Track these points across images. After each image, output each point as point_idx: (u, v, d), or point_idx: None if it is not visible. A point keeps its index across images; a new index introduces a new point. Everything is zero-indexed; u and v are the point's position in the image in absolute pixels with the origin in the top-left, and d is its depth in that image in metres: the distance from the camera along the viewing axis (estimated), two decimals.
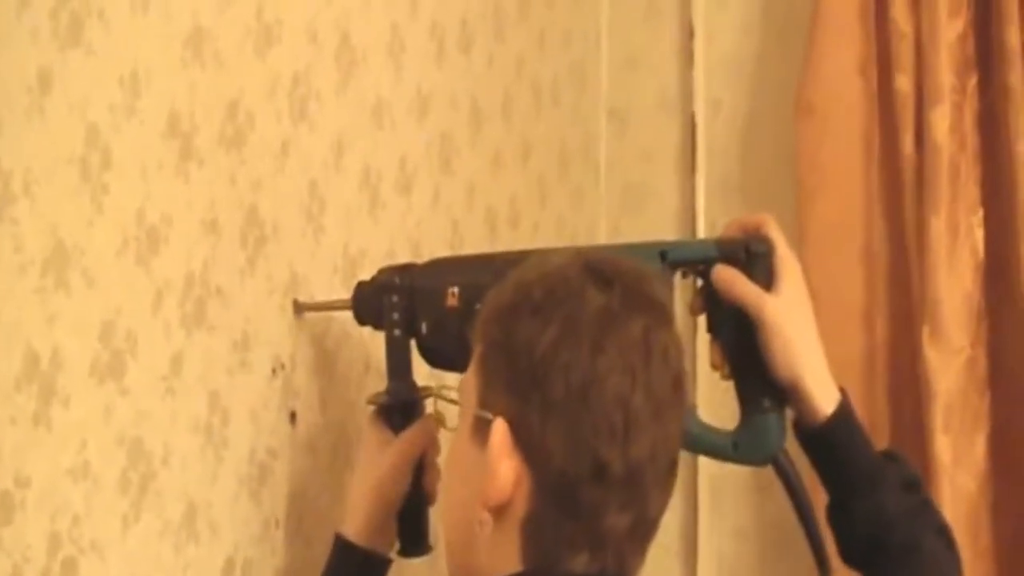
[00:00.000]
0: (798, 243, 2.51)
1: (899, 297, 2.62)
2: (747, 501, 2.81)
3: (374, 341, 1.68)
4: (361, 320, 1.66)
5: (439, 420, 1.62)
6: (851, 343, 2.60)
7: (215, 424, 1.51)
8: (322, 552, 1.58)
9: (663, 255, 1.50)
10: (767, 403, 1.48)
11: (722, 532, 2.83)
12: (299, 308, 1.67)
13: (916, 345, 2.53)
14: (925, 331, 2.51)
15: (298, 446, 1.67)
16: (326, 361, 1.74)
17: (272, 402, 1.62)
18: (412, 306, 1.60)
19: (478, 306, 1.32)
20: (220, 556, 1.53)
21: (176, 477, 1.44)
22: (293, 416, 1.66)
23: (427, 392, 1.63)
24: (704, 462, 2.78)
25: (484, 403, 1.27)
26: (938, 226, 2.52)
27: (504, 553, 1.25)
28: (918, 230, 2.55)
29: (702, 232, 2.82)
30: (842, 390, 1.50)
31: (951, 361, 2.52)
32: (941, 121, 2.54)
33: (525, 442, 1.23)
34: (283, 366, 1.64)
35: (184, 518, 1.46)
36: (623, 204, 2.90)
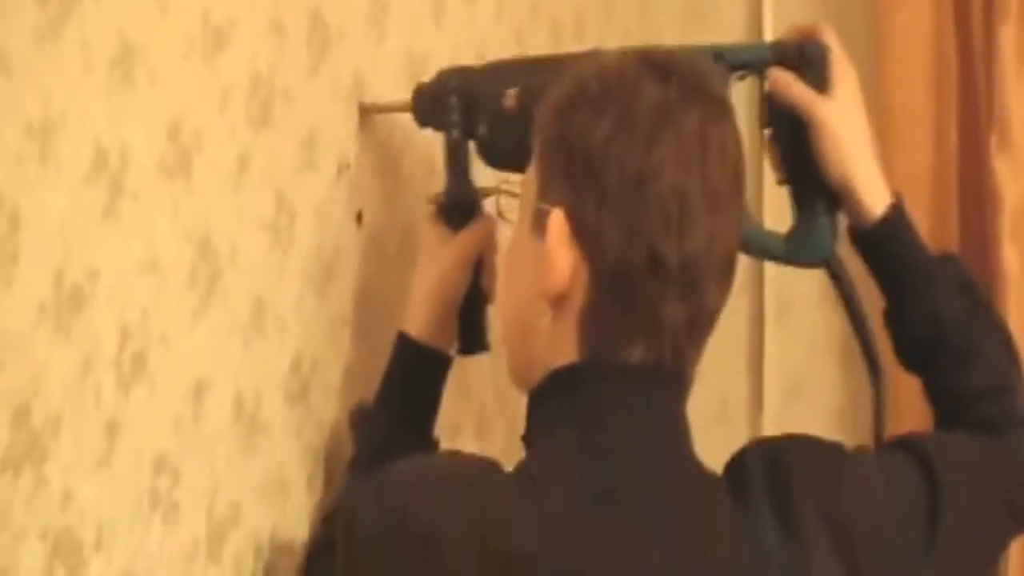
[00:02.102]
0: (875, 53, 2.49)
1: (968, 107, 2.60)
2: (813, 314, 2.82)
3: (439, 143, 1.68)
4: (421, 122, 1.67)
5: (501, 214, 1.64)
6: (923, 154, 2.59)
7: (282, 223, 1.53)
8: (387, 350, 1.62)
9: (717, 57, 1.50)
10: (820, 206, 1.50)
11: (789, 344, 2.86)
12: (364, 110, 1.68)
13: (984, 154, 2.53)
14: (993, 140, 2.51)
15: (364, 246, 1.70)
16: (391, 163, 1.76)
17: (338, 202, 1.64)
18: (471, 108, 1.61)
19: (535, 107, 1.33)
20: (288, 353, 1.56)
21: (243, 274, 1.46)
22: (359, 216, 1.69)
23: (488, 191, 1.66)
24: (770, 276, 2.79)
25: (543, 196, 1.29)
26: (1007, 35, 2.49)
27: (562, 344, 1.27)
28: (986, 39, 2.52)
29: None
30: (897, 194, 1.51)
31: (1019, 170, 2.51)
32: None
33: (582, 233, 1.25)
34: (348, 166, 1.66)
35: (252, 314, 1.48)
36: (689, 16, 2.88)
